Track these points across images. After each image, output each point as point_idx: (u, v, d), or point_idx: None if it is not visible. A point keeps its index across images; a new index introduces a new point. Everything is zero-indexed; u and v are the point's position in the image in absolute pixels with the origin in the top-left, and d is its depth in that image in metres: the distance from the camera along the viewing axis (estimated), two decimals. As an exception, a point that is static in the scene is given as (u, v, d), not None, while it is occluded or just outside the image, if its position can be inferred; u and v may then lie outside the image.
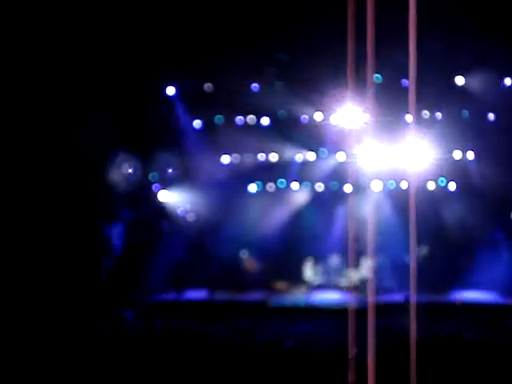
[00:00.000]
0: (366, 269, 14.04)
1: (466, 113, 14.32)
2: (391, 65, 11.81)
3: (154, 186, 14.94)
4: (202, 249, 14.65)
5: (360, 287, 13.80)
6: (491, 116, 14.26)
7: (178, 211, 15.19)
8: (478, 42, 12.75)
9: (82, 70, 12.10)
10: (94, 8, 11.85)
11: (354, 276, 14.14)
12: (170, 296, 13.64)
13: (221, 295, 13.65)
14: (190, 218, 15.22)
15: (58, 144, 12.13)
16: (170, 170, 14.92)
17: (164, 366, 9.28)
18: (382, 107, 13.35)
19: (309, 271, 14.67)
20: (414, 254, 13.65)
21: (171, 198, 15.03)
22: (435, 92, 13.37)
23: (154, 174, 14.87)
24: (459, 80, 14.19)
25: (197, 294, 13.83)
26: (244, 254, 14.93)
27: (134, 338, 11.05)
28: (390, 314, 10.68)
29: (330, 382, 7.50)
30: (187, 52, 13.39)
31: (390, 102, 13.14)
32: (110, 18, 12.13)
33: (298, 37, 13.30)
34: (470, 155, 14.45)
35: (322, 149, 14.92)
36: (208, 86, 14.69)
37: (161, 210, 14.93)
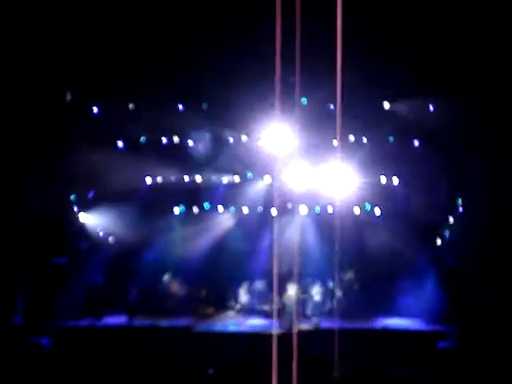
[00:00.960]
0: (290, 294, 13.90)
1: (391, 138, 14.40)
2: (318, 89, 11.77)
3: (74, 208, 14.51)
4: (123, 272, 14.28)
5: (284, 312, 13.65)
6: (416, 142, 14.37)
7: (98, 233, 14.80)
8: (405, 69, 12.85)
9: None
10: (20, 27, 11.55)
11: (278, 301, 13.99)
12: (88, 321, 13.18)
13: (142, 321, 13.26)
14: (111, 240, 14.85)
15: None
16: (91, 192, 14.52)
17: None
18: (309, 130, 13.31)
19: (235, 296, 14.48)
20: (338, 279, 13.60)
21: (91, 219, 14.63)
22: (362, 116, 13.39)
23: (74, 195, 14.44)
24: (386, 105, 14.27)
25: (116, 320, 13.41)
26: (167, 278, 14.62)
27: (49, 364, 10.71)
28: (313, 340, 10.56)
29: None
30: (112, 71, 13.15)
31: (317, 126, 13.11)
32: (36, 37, 11.86)
33: (225, 59, 13.18)
34: (395, 180, 14.51)
35: (248, 172, 14.78)
36: (132, 106, 14.40)
37: (80, 231, 14.52)
